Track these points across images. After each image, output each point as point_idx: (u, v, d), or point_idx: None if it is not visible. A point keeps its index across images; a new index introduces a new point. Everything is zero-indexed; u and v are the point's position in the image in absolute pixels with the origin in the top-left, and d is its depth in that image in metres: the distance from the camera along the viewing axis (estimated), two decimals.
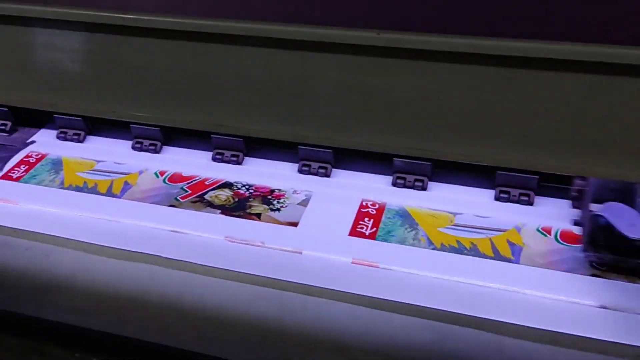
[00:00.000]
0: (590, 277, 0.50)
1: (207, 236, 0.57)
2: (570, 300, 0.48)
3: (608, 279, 0.50)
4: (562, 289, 0.49)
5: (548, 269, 0.51)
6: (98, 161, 0.68)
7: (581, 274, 0.50)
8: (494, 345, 0.48)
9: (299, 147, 0.63)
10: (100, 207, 0.61)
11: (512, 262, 0.52)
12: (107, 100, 0.66)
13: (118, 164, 0.67)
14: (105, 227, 0.59)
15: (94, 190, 0.64)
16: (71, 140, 0.71)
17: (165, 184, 0.64)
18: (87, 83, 0.67)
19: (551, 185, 0.59)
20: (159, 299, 0.56)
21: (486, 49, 0.51)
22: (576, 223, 0.55)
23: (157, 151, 0.69)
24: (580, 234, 0.54)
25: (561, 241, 0.54)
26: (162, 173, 0.66)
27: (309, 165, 0.64)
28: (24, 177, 0.66)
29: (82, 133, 0.71)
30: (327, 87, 0.58)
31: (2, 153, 0.70)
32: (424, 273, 0.52)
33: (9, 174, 0.67)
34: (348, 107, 0.58)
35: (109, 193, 0.63)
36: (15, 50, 0.68)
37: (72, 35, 0.65)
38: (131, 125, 0.69)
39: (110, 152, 0.69)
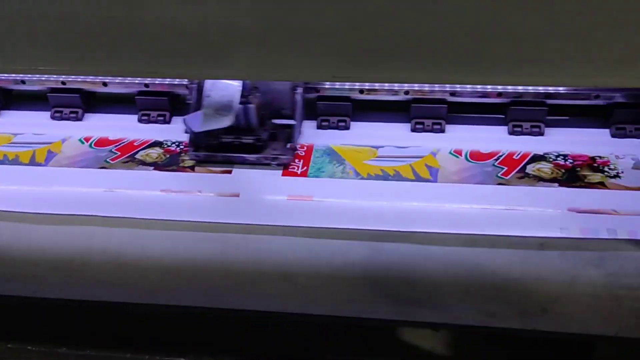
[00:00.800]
0: (497, 186, 0.57)
1: (143, 192, 0.58)
2: (482, 206, 0.55)
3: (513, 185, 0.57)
4: (475, 198, 0.56)
5: (462, 183, 0.57)
6: (16, 134, 0.66)
7: (490, 184, 0.57)
8: (422, 253, 0.54)
9: None
10: (26, 176, 0.60)
11: (431, 182, 0.58)
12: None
13: (38, 134, 0.66)
14: (34, 195, 0.58)
15: (15, 162, 0.62)
16: None
17: (92, 149, 0.64)
18: None
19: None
20: (101, 258, 0.56)
21: None
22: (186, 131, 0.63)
23: (78, 118, 0.68)
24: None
25: (471, 160, 0.60)
26: (87, 139, 0.65)
27: None
28: None
29: None
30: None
31: None
32: (354, 200, 0.56)
33: None
34: None
35: (32, 162, 0.62)
36: None
37: None
38: (49, 95, 0.67)
39: (28, 124, 0.67)
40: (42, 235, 0.57)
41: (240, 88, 0.58)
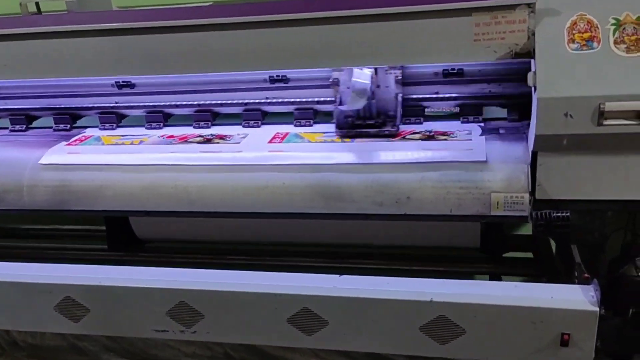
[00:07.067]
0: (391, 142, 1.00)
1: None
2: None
3: None
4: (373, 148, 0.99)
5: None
6: (123, 135, 1.16)
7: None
8: (343, 174, 0.96)
9: None
10: (131, 149, 1.08)
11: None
12: None
13: (136, 135, 1.15)
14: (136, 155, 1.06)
15: (123, 144, 1.11)
16: None
17: (164, 139, 1.12)
18: None
19: None
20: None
21: None
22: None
23: (160, 127, 1.18)
24: None
25: None
26: (162, 135, 1.14)
27: None
28: None
29: None
30: None
31: None
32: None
33: None
34: None
35: (132, 144, 1.10)
36: None
37: None
38: (145, 115, 1.18)
39: (131, 132, 1.18)
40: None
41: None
